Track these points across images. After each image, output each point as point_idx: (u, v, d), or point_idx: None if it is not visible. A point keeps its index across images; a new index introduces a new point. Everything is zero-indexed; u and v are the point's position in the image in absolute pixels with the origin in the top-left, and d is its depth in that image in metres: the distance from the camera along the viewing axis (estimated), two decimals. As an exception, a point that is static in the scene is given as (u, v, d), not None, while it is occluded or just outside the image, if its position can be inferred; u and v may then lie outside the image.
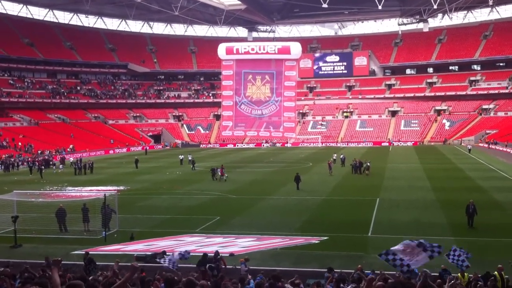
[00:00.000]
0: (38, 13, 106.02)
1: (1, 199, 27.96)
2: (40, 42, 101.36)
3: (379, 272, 15.22)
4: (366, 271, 16.37)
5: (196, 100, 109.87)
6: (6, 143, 73.12)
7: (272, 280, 13.00)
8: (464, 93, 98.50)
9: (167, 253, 17.25)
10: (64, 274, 11.05)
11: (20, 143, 74.47)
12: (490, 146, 76.42)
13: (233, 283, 11.61)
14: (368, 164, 48.57)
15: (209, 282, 10.50)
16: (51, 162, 61.78)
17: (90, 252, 19.57)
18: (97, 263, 18.11)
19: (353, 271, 16.43)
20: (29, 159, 64.14)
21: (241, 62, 70.18)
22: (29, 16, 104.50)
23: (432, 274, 15.17)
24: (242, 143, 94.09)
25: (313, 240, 23.66)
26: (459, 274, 14.57)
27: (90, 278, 10.41)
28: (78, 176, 51.90)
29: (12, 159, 63.68)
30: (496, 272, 14.23)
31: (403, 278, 13.77)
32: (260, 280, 13.89)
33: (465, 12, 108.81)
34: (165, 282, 8.39)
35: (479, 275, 14.75)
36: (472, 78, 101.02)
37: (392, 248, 9.88)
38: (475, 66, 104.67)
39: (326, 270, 17.36)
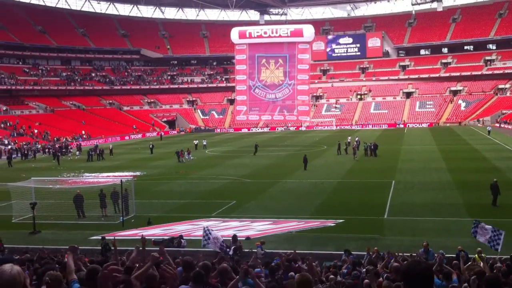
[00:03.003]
0: (50, 0, 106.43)
1: (20, 186, 28.34)
2: (53, 29, 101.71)
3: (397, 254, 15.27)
4: (381, 253, 16.41)
5: (210, 85, 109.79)
6: (22, 131, 73.81)
7: (288, 263, 13.10)
8: (479, 73, 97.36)
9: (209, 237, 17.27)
10: (81, 258, 11.21)
11: (36, 131, 75.16)
12: (501, 125, 76.17)
13: (250, 266, 11.68)
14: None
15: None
16: (69, 148, 62.42)
17: (107, 237, 19.81)
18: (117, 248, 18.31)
19: (370, 253, 16.45)
20: (50, 146, 64.87)
21: (254, 46, 70.08)
22: (41, 3, 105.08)
23: (449, 255, 15.19)
24: (257, 127, 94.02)
25: (328, 223, 23.71)
26: (476, 255, 14.53)
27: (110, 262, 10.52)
28: (95, 162, 52.34)
29: (28, 146, 64.34)
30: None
31: (420, 258, 13.77)
32: (276, 262, 13.98)
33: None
34: (183, 265, 8.48)
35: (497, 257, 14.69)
36: (487, 58, 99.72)
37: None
38: (490, 46, 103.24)
39: (342, 252, 17.47)
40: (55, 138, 72.80)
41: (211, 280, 8.14)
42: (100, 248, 19.17)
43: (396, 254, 15.15)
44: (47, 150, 62.66)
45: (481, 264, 12.44)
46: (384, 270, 12.02)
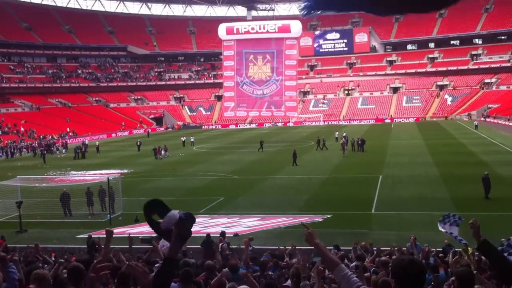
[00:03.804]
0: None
1: (5, 185, 28.08)
2: (39, 26, 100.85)
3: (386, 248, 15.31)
4: (374, 248, 16.42)
5: (197, 81, 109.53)
6: (8, 129, 73.14)
7: (275, 259, 13.10)
8: (465, 67, 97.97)
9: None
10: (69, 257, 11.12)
11: (22, 128, 74.51)
12: (485, 119, 77.09)
13: (231, 265, 11.65)
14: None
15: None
16: (55, 147, 61.97)
17: (93, 236, 19.68)
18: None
19: (357, 248, 16.48)
20: (36, 144, 64.28)
21: (241, 42, 69.89)
22: (27, 0, 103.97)
23: (436, 249, 15.27)
24: (244, 123, 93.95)
25: (317, 218, 23.74)
26: (462, 249, 14.60)
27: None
28: (81, 160, 52.01)
29: (14, 144, 63.79)
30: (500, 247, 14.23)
31: (407, 253, 13.83)
32: (265, 258, 13.97)
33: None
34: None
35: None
36: (473, 52, 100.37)
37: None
38: (476, 40, 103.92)
39: (332, 248, 17.46)
40: (41, 136, 72.19)
41: (197, 277, 8.11)
42: (86, 246, 19.04)
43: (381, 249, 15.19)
44: (29, 148, 62.09)
45: (466, 257, 12.50)
46: (371, 264, 12.06)
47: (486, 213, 22.59)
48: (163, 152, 50.63)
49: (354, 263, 12.82)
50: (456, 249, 14.58)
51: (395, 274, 3.34)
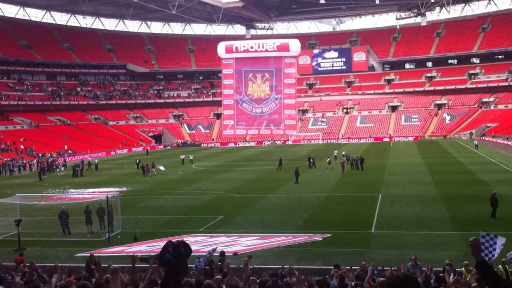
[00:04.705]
0: (36, 14, 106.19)
1: (4, 202, 28.01)
2: (38, 43, 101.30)
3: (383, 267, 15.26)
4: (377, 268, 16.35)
5: (196, 99, 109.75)
6: (7, 146, 73.06)
7: (275, 278, 13.03)
8: (463, 86, 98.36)
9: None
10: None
11: (22, 146, 74.45)
12: (483, 138, 77.78)
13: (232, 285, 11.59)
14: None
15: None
16: (55, 164, 61.93)
17: (94, 254, 19.56)
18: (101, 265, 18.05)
19: (357, 267, 16.45)
20: (35, 161, 64.15)
21: (241, 60, 70.42)
22: (26, 17, 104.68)
23: (436, 269, 15.22)
24: (243, 142, 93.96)
25: (316, 237, 23.67)
26: (463, 269, 14.57)
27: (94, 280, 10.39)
28: (80, 178, 51.93)
29: (13, 162, 63.70)
30: (500, 266, 14.22)
31: (407, 272, 13.75)
32: (264, 278, 13.90)
33: (463, 5, 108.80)
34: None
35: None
36: (471, 72, 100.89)
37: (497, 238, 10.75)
38: (474, 59, 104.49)
39: (332, 267, 17.40)
40: (39, 154, 72.08)
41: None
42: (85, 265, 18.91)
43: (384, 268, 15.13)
44: (27, 165, 62.04)
45: (468, 277, 12.47)
46: (370, 284, 12.01)
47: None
48: (152, 169, 51.15)
49: (354, 282, 12.78)
50: (456, 269, 14.55)
51: None
